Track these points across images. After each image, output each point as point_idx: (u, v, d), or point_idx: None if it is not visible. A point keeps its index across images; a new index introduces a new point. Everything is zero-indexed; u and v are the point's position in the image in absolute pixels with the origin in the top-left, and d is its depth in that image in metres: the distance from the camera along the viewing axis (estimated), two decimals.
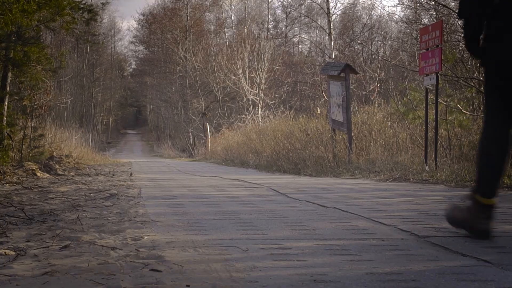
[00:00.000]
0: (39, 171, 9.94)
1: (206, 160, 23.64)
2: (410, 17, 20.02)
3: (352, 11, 41.87)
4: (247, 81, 29.60)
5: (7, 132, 13.05)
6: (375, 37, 39.95)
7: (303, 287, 2.06)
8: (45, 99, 16.00)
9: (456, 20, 13.73)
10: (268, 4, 48.11)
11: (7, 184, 7.52)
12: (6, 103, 13.10)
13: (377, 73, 23.62)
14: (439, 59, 8.44)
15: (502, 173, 3.23)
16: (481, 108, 11.19)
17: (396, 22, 32.65)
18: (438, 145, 8.92)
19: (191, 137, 36.74)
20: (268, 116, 23.24)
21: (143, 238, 3.11)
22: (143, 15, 57.02)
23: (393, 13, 47.05)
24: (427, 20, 16.55)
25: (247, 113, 26.88)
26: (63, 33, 25.05)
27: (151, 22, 53.58)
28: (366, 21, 40.32)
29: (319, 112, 16.51)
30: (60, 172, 10.81)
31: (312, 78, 32.21)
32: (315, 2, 36.05)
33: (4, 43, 12.12)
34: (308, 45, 48.10)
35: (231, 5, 46.91)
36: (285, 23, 49.02)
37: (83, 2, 13.74)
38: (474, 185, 3.21)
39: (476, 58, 3.53)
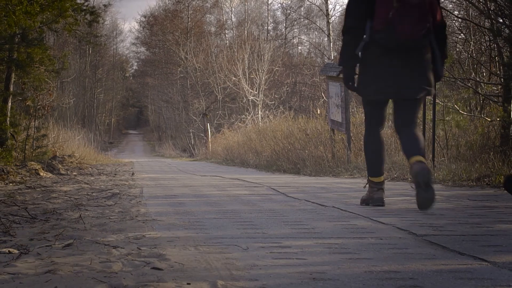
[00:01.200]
0: (42, 171, 9.94)
1: (206, 160, 23.65)
2: None
3: None
4: (247, 82, 29.61)
5: (11, 132, 13.06)
6: None
7: (303, 285, 2.06)
8: (48, 100, 16.00)
9: (453, 21, 13.74)
10: (268, 6, 48.16)
11: (11, 184, 7.52)
12: (10, 104, 13.11)
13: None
14: None
15: (382, 160, 4.64)
16: (478, 108, 11.20)
17: None
18: (436, 145, 8.93)
19: (192, 137, 36.75)
20: (268, 117, 23.25)
21: (145, 236, 3.11)
22: (145, 16, 57.06)
23: None
24: None
25: (247, 114, 26.89)
26: (66, 35, 25.04)
27: (153, 23, 53.60)
28: None
29: (319, 112, 16.50)
30: (62, 172, 10.82)
31: (311, 79, 32.23)
32: (314, 4, 36.05)
33: (7, 44, 12.12)
34: (308, 47, 48.14)
35: (231, 7, 46.93)
36: (284, 24, 49.04)
37: (85, 4, 13.75)
38: (367, 171, 4.67)
39: (353, 91, 4.74)
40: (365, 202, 4.63)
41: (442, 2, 14.03)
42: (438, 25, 4.39)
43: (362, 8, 4.34)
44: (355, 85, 4.53)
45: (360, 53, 4.42)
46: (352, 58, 4.45)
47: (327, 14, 28.80)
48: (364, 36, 4.37)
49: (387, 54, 4.31)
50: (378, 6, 4.24)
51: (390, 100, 4.60)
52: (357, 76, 4.54)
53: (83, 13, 13.71)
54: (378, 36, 4.27)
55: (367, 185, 4.68)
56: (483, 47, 11.83)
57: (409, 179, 7.93)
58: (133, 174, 11.16)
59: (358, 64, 4.50)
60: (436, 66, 4.45)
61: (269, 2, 48.14)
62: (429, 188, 4.12)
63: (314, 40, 46.11)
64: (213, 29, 49.06)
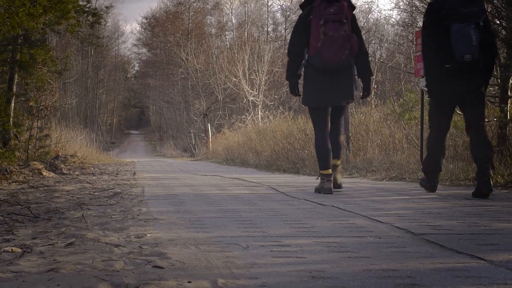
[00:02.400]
0: (45, 171, 9.95)
1: (207, 160, 23.65)
2: (406, 20, 20.01)
3: None
4: (247, 83, 29.60)
5: (14, 132, 13.06)
6: (372, 40, 39.93)
7: (302, 283, 2.06)
8: (50, 100, 16.01)
9: None
10: (267, 8, 48.15)
11: (14, 183, 7.52)
12: (13, 104, 13.11)
13: (374, 75, 23.62)
14: None
15: (328, 156, 5.68)
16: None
17: (393, 25, 32.65)
18: None
19: (192, 137, 36.75)
20: (268, 117, 23.24)
21: (146, 235, 3.11)
22: (146, 18, 57.07)
23: (390, 17, 47.07)
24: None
25: (247, 114, 26.88)
26: (68, 36, 25.04)
27: (154, 25, 53.61)
28: (363, 24, 40.32)
29: None
30: (65, 172, 10.82)
31: None
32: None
33: (11, 45, 12.12)
34: None
35: (231, 9, 46.93)
36: (284, 26, 49.01)
37: (88, 5, 13.77)
38: (318, 166, 5.75)
39: (297, 96, 6.11)
40: (317, 190, 5.73)
41: None
42: (360, 54, 5.74)
43: (301, 40, 5.73)
44: (301, 95, 5.94)
45: (302, 71, 5.82)
46: (294, 75, 5.85)
47: None
48: (304, 60, 5.75)
49: (320, 73, 5.69)
50: (311, 39, 5.62)
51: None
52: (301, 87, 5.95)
53: (85, 14, 13.72)
54: (312, 60, 5.67)
55: (319, 178, 5.78)
56: None
57: (408, 178, 7.94)
58: (134, 173, 11.15)
59: (301, 78, 5.93)
60: (364, 81, 5.85)
61: (269, 4, 48.17)
62: (338, 186, 5.94)
63: None
64: (213, 30, 49.07)
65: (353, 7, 5.87)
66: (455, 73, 5.18)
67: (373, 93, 22.72)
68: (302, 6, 5.91)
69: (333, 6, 5.61)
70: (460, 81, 5.21)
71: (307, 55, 5.69)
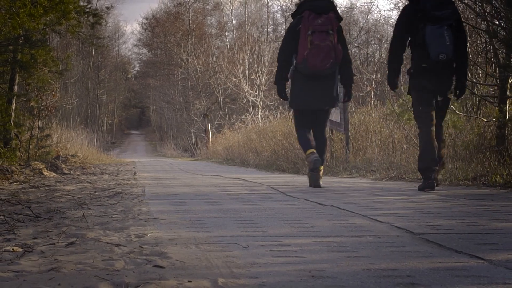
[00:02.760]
0: (46, 170, 9.94)
1: (207, 160, 23.65)
2: None
3: (349, 15, 41.86)
4: (248, 83, 29.60)
5: (15, 132, 13.05)
6: (371, 40, 39.94)
7: (302, 282, 2.06)
8: (51, 101, 16.01)
9: None
10: (267, 8, 48.16)
11: (15, 183, 7.52)
12: (14, 104, 13.10)
13: (373, 75, 23.61)
14: None
15: (309, 141, 6.28)
16: (474, 109, 11.20)
17: (392, 26, 32.64)
18: None
19: (193, 137, 36.75)
20: (268, 117, 23.25)
21: (147, 235, 3.11)
22: (147, 19, 57.11)
23: (389, 17, 47.04)
24: None
25: (247, 114, 26.88)
26: (69, 36, 25.04)
27: (154, 25, 53.63)
28: (363, 24, 40.33)
29: None
30: (66, 171, 10.82)
31: None
32: None
33: (12, 46, 12.11)
34: None
35: (231, 9, 46.93)
36: (284, 26, 49.00)
37: (88, 6, 13.77)
38: (303, 150, 6.38)
39: (284, 100, 6.59)
40: (308, 168, 6.41)
41: None
42: (344, 62, 6.22)
43: (290, 48, 6.20)
44: (288, 98, 6.45)
45: (290, 76, 6.31)
46: (282, 79, 6.37)
47: None
48: (292, 66, 6.21)
49: (306, 79, 6.18)
50: (299, 47, 6.07)
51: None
52: (288, 91, 6.50)
53: (86, 15, 13.72)
54: (299, 67, 6.13)
55: (306, 157, 6.42)
56: (479, 48, 11.83)
57: (407, 178, 7.94)
58: (135, 173, 11.15)
59: (288, 82, 6.46)
60: (346, 88, 6.43)
61: (269, 5, 48.17)
62: (317, 171, 6.24)
63: None
64: (213, 31, 49.07)
65: (339, 19, 6.28)
66: (431, 71, 5.61)
67: (372, 94, 22.72)
68: (293, 15, 6.41)
69: (320, 18, 6.08)
70: (435, 77, 5.65)
71: (295, 61, 6.17)
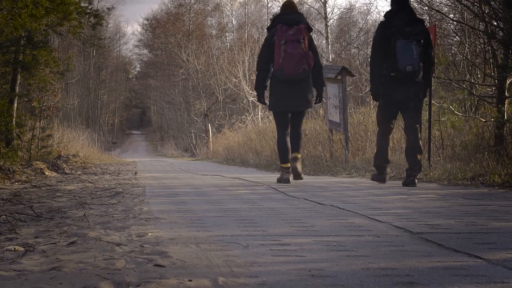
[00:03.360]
0: (47, 170, 9.94)
1: (208, 160, 23.64)
2: None
3: (349, 16, 41.86)
4: (248, 83, 29.59)
5: (17, 132, 13.05)
6: (370, 41, 39.93)
7: (301, 281, 2.06)
8: (53, 101, 16.00)
9: (449, 24, 13.74)
10: (267, 9, 48.09)
11: (17, 183, 7.52)
12: (16, 105, 13.10)
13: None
14: None
15: (287, 152, 6.86)
16: (473, 109, 11.20)
17: None
18: (431, 145, 8.93)
19: (193, 137, 36.73)
20: (267, 117, 23.23)
21: (147, 234, 3.11)
22: (147, 20, 57.11)
23: None
24: None
25: (248, 114, 26.87)
26: (70, 37, 25.04)
27: (155, 26, 53.63)
28: (362, 25, 40.31)
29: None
30: (67, 171, 10.82)
31: None
32: (313, 8, 36.03)
33: (13, 46, 12.11)
34: None
35: (232, 10, 46.90)
36: None
37: (90, 7, 13.77)
38: (279, 160, 7.02)
39: (264, 105, 7.17)
40: (278, 181, 6.94)
41: (438, 5, 14.05)
42: (315, 67, 6.86)
43: (267, 57, 6.85)
44: (267, 102, 7.06)
45: (268, 83, 6.96)
46: (262, 86, 6.96)
47: (325, 17, 28.80)
48: (269, 73, 6.87)
49: (282, 84, 6.81)
50: (275, 56, 6.74)
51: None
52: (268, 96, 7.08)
53: (87, 16, 13.71)
54: (276, 73, 6.79)
55: (281, 170, 7.00)
56: (477, 49, 11.83)
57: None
58: (136, 173, 11.15)
59: (267, 88, 7.04)
60: (318, 91, 7.04)
61: (268, 6, 48.13)
62: (292, 160, 6.92)
63: None
64: (214, 31, 49.05)
65: (310, 29, 7.01)
66: (398, 81, 6.30)
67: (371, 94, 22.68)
68: (268, 29, 7.12)
69: (292, 29, 6.77)
70: (402, 88, 6.34)
71: (272, 69, 6.84)
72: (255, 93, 7.43)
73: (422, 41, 6.28)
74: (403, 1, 6.44)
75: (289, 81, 6.77)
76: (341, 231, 3.22)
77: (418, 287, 1.99)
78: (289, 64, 6.68)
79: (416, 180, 6.47)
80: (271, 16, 7.48)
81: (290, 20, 6.83)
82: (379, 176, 6.71)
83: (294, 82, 6.78)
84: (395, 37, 6.23)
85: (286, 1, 7.19)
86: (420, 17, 6.58)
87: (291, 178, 6.96)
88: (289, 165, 6.86)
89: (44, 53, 12.66)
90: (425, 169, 8.26)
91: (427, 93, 6.85)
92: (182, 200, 5.10)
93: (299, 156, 7.01)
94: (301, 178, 7.04)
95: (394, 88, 6.34)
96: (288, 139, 6.92)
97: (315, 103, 7.21)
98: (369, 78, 6.61)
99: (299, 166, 6.96)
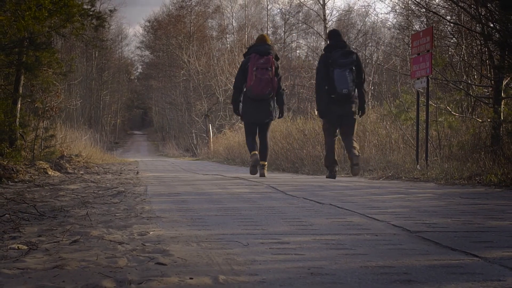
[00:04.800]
0: (50, 170, 9.94)
1: (208, 159, 23.64)
2: (402, 23, 20.02)
3: (347, 18, 41.85)
4: None
5: (20, 132, 13.04)
6: (369, 43, 39.91)
7: (301, 279, 2.06)
8: (55, 101, 15.98)
9: (446, 26, 13.74)
10: (267, 11, 48.11)
11: (20, 182, 7.52)
12: (19, 105, 13.09)
13: (371, 77, 23.63)
14: (429, 63, 8.44)
15: (253, 146, 8.45)
16: (469, 110, 11.20)
17: (389, 29, 32.66)
18: (429, 145, 8.93)
19: (194, 138, 36.73)
20: None
21: (149, 233, 3.11)
22: (149, 21, 57.12)
23: (386, 20, 47.08)
24: (418, 26, 16.55)
25: None
26: (73, 39, 25.02)
27: (157, 28, 53.63)
28: (361, 27, 40.30)
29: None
30: (70, 171, 10.81)
31: (309, 82, 32.20)
32: (312, 10, 36.07)
33: (17, 48, 12.10)
34: (306, 50, 48.10)
35: (232, 12, 46.90)
36: (283, 29, 49.00)
37: (92, 9, 13.74)
38: (249, 151, 8.56)
39: (238, 116, 8.87)
40: (250, 171, 8.54)
41: (435, 7, 14.06)
42: (278, 89, 8.38)
43: (242, 79, 8.41)
44: (240, 113, 8.58)
45: (241, 98, 8.47)
46: (236, 100, 8.56)
47: (324, 19, 28.80)
48: (243, 91, 8.44)
49: (252, 101, 8.35)
50: (248, 78, 8.26)
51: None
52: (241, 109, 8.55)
53: (90, 18, 13.69)
54: (247, 93, 8.34)
55: (251, 156, 8.51)
56: (474, 50, 11.83)
57: (404, 177, 7.94)
58: (137, 173, 11.14)
59: (240, 103, 8.52)
60: (279, 108, 8.55)
61: (268, 8, 48.12)
62: (255, 167, 8.44)
63: (311, 44, 46.04)
64: (214, 33, 49.04)
65: (277, 59, 8.50)
66: (337, 101, 7.88)
67: (370, 95, 22.73)
68: (244, 55, 8.59)
69: (262, 58, 8.26)
70: (340, 106, 7.91)
71: (245, 88, 8.35)
72: (232, 106, 8.90)
73: (354, 68, 7.85)
74: (338, 39, 8.12)
75: (257, 99, 8.29)
76: (339, 229, 3.22)
77: (416, 285, 1.99)
78: (258, 87, 8.17)
79: (358, 168, 8.05)
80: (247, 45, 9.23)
81: (261, 51, 8.32)
82: (331, 174, 8.15)
83: (261, 100, 8.30)
84: (332, 67, 7.81)
85: (260, 35, 8.97)
86: (351, 49, 8.25)
87: (257, 175, 8.56)
88: (256, 152, 8.44)
89: (47, 54, 12.65)
90: (423, 168, 8.27)
91: (365, 106, 8.20)
92: (183, 199, 5.10)
93: (266, 163, 8.66)
94: (265, 177, 8.54)
95: (335, 106, 7.90)
96: (254, 139, 8.56)
97: (278, 118, 8.72)
98: (316, 100, 8.30)
99: (265, 171, 8.64)
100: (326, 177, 8.25)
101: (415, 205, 4.46)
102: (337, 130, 8.19)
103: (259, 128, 8.57)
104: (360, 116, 8.30)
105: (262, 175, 8.55)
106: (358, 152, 8.12)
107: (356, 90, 7.94)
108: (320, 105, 8.07)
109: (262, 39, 8.66)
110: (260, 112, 8.38)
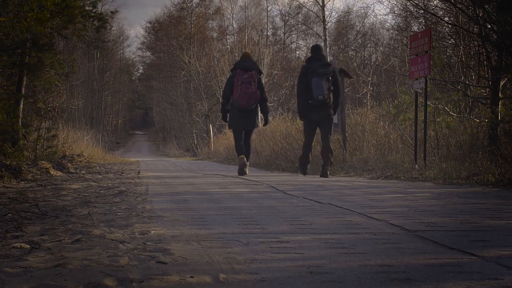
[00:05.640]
0: (52, 170, 9.94)
1: (209, 159, 23.63)
2: (401, 24, 20.01)
3: (346, 19, 41.86)
4: None
5: (23, 132, 13.04)
6: (367, 44, 39.92)
7: (300, 278, 2.06)
8: (58, 102, 15.98)
9: (444, 27, 13.73)
10: (267, 13, 48.11)
11: (22, 182, 7.52)
12: (22, 106, 13.08)
13: (369, 77, 23.65)
14: (428, 64, 8.44)
15: (241, 150, 9.21)
16: (467, 110, 11.19)
17: (388, 30, 32.66)
18: (427, 145, 8.93)
19: (195, 138, 36.73)
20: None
21: (150, 232, 3.11)
22: (150, 23, 57.08)
23: (385, 21, 47.04)
24: (416, 27, 16.53)
25: None
26: (75, 40, 25.03)
27: (158, 29, 53.62)
28: (359, 28, 40.34)
29: None
30: (72, 171, 10.81)
31: None
32: (312, 11, 36.04)
33: (19, 49, 12.10)
34: (305, 51, 48.09)
35: (232, 14, 46.86)
36: (283, 30, 49.02)
37: (94, 10, 13.73)
38: (237, 154, 9.42)
39: (226, 122, 9.81)
40: (239, 172, 9.11)
41: (433, 8, 14.05)
42: (261, 100, 9.17)
43: (229, 91, 9.18)
44: (227, 121, 9.41)
45: (229, 108, 9.22)
46: (225, 110, 9.34)
47: (324, 21, 28.77)
48: (230, 102, 9.18)
49: (238, 111, 9.08)
50: (234, 91, 9.02)
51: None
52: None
53: (91, 19, 13.69)
54: (234, 103, 9.08)
55: (238, 159, 9.34)
56: (472, 51, 11.82)
57: (402, 177, 7.93)
58: (139, 172, 11.14)
59: (227, 112, 9.32)
60: (264, 116, 9.56)
61: (268, 9, 48.11)
62: (242, 169, 9.11)
63: (311, 45, 46.01)
64: (215, 34, 48.99)
65: (260, 73, 9.30)
66: (314, 106, 8.63)
67: (369, 95, 22.74)
68: (231, 70, 9.45)
69: (246, 74, 9.03)
70: (317, 111, 8.67)
71: (231, 99, 9.13)
72: (221, 114, 9.88)
73: (330, 78, 8.62)
74: (318, 52, 8.92)
75: (242, 110, 9.11)
76: (339, 229, 3.22)
77: (414, 284, 1.99)
78: (243, 99, 8.98)
79: (328, 173, 8.70)
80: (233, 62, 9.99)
81: (246, 67, 9.13)
82: (303, 171, 9.14)
83: (246, 111, 9.15)
84: (311, 76, 8.56)
85: (244, 52, 9.88)
86: (328, 61, 9.26)
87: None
88: (243, 156, 9.22)
89: (49, 55, 12.65)
90: (421, 168, 8.27)
91: (338, 111, 9.43)
92: (184, 199, 5.10)
93: (247, 163, 9.48)
94: (246, 174, 9.20)
95: (312, 111, 8.68)
96: (242, 144, 9.34)
97: (263, 125, 10.11)
98: (297, 104, 9.24)
99: (246, 169, 9.38)
100: (299, 171, 9.51)
101: (413, 205, 4.46)
102: (314, 133, 9.21)
103: (245, 133, 9.44)
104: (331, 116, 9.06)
105: (245, 173, 9.55)
106: (331, 157, 9.03)
107: (331, 97, 8.77)
108: (300, 108, 8.97)
109: (246, 56, 9.58)
110: (246, 120, 9.27)
